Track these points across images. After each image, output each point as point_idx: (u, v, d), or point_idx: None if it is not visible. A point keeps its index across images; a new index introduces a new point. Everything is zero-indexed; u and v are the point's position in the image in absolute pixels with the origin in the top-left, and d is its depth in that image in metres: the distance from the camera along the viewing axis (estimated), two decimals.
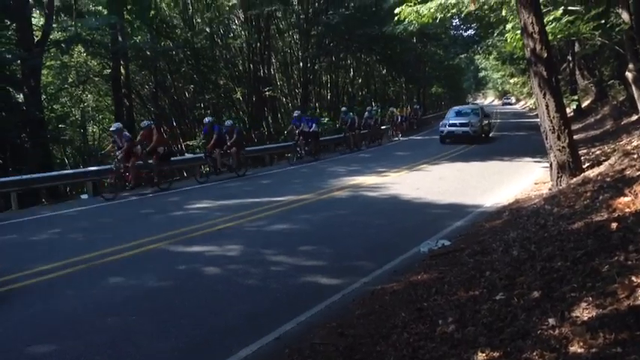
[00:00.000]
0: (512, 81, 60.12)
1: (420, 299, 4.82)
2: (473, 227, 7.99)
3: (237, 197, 11.89)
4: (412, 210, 9.91)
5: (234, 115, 32.75)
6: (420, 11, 14.06)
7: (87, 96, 31.39)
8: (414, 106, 38.25)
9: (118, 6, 22.42)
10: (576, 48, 25.48)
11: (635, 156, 7.52)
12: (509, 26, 14.42)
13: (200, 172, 16.14)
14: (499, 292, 4.17)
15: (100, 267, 6.77)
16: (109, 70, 25.82)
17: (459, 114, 24.47)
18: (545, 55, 8.68)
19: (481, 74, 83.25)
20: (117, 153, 13.15)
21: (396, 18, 15.29)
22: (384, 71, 46.00)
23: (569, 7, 13.10)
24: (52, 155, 23.29)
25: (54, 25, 21.38)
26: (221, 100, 31.70)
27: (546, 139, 9.01)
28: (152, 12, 25.63)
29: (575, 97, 26.71)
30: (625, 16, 11.80)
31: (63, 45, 22.03)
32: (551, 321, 3.23)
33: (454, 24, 37.12)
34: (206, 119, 16.55)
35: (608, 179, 6.89)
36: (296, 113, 20.40)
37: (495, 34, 23.44)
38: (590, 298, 3.35)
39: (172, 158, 16.45)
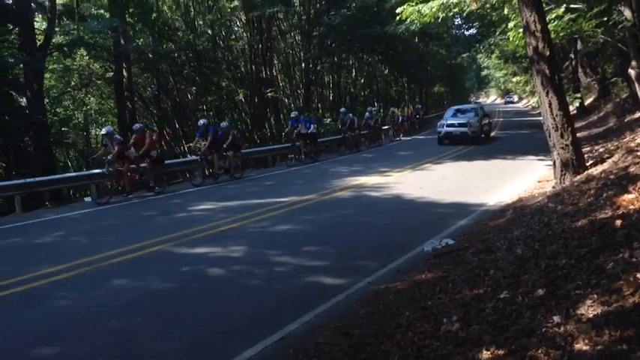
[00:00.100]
0: (514, 79, 60.01)
1: (424, 298, 4.81)
2: (477, 226, 7.97)
3: (241, 198, 11.89)
4: (415, 209, 9.90)
5: (237, 117, 32.83)
6: (422, 11, 14.05)
7: (89, 99, 31.46)
8: (416, 105, 38.17)
9: (119, 9, 22.52)
10: (579, 46, 25.44)
11: (639, 153, 7.49)
12: (511, 24, 14.39)
13: (196, 175, 15.87)
14: (503, 290, 4.16)
15: (103, 269, 6.78)
16: (112, 73, 25.91)
17: (457, 114, 23.80)
18: (548, 53, 8.66)
19: (483, 73, 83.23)
20: (107, 157, 12.90)
21: (397, 18, 15.28)
22: (387, 71, 45.94)
23: (572, 5, 13.06)
24: (56, 158, 23.37)
25: (56, 29, 21.47)
26: (223, 101, 31.73)
27: (549, 137, 8.99)
28: (154, 15, 25.71)
29: (578, 95, 26.62)
30: (627, 13, 11.77)
31: (65, 48, 22.13)
32: (556, 319, 3.22)
33: (456, 23, 37.06)
34: (200, 121, 16.27)
35: (612, 177, 6.86)
36: (293, 114, 20.26)
37: (497, 33, 23.40)
38: (595, 296, 3.34)
39: (174, 160, 16.42)
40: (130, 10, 23.89)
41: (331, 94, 38.10)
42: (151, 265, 6.95)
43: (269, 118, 31.48)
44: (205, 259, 7.05)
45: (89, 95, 30.91)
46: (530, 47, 8.85)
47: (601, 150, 12.00)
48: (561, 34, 13.83)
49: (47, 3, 20.75)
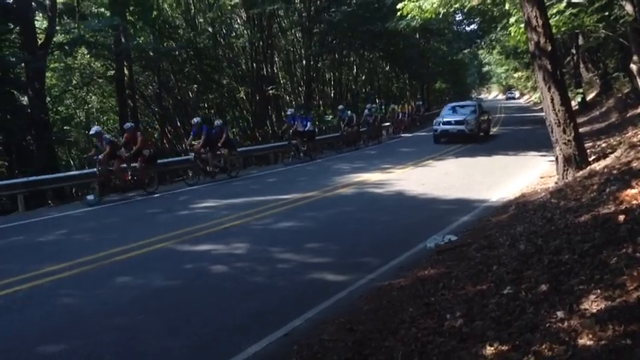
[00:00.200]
0: (516, 75, 60.02)
1: (428, 294, 4.81)
2: (479, 222, 7.97)
3: (243, 196, 11.90)
4: (418, 206, 9.90)
5: (238, 115, 32.83)
6: (423, 6, 14.04)
7: (91, 97, 31.48)
8: (417, 102, 38.05)
9: (120, 7, 22.48)
10: (580, 41, 25.40)
11: None
12: (512, 20, 14.38)
13: (190, 174, 15.44)
14: (507, 286, 4.16)
15: (107, 267, 6.80)
16: (113, 72, 25.89)
17: (454, 111, 22.99)
18: (550, 48, 8.65)
19: (485, 69, 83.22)
20: (98, 157, 12.58)
21: (398, 13, 15.26)
22: (388, 68, 45.88)
23: (573, 0, 13.04)
24: (58, 157, 23.38)
25: (57, 28, 21.48)
26: (225, 99, 31.70)
27: (552, 132, 8.98)
28: (154, 13, 25.66)
29: (580, 90, 26.65)
30: (629, 7, 11.75)
31: (66, 47, 22.14)
32: (560, 314, 3.22)
33: (457, 19, 36.96)
34: (194, 119, 16.01)
35: (615, 172, 6.86)
36: (289, 112, 20.04)
37: (499, 29, 23.33)
38: (599, 291, 3.34)
39: (169, 160, 16.31)
40: (131, 9, 23.84)
41: (332, 91, 38.06)
42: (155, 263, 6.96)
43: (270, 116, 31.46)
44: (208, 257, 7.07)
45: (90, 94, 30.91)
46: (532, 42, 8.84)
47: (603, 145, 11.99)
48: (563, 29, 13.84)
49: (48, 2, 20.74)
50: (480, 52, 47.43)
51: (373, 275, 6.02)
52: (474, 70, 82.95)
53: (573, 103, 18.70)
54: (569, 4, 12.90)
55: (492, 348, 3.15)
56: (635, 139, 9.49)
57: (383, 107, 30.97)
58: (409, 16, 15.31)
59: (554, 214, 6.11)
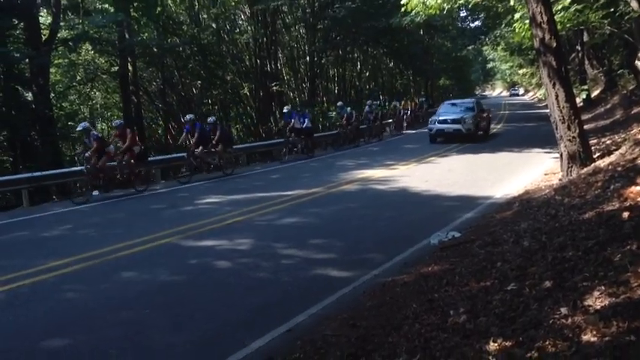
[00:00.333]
0: (520, 72, 59.64)
1: (431, 290, 4.81)
2: (483, 219, 7.97)
3: (247, 192, 11.90)
4: (421, 202, 9.90)
5: (242, 111, 32.83)
6: (427, 2, 14.01)
7: (95, 93, 31.55)
8: (420, 99, 37.81)
9: (124, 3, 22.46)
10: (585, 37, 25.26)
11: None
12: (517, 16, 14.32)
13: (183, 171, 15.19)
14: (511, 282, 4.16)
15: (111, 262, 6.82)
16: (117, 68, 25.91)
17: (450, 109, 21.93)
18: (554, 44, 8.62)
19: (489, 65, 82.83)
20: (85, 154, 12.35)
21: (402, 9, 15.22)
22: (392, 64, 45.82)
23: None
24: (62, 152, 23.42)
25: (61, 24, 21.49)
26: (228, 95, 31.73)
27: (556, 129, 8.96)
28: (158, 9, 25.63)
29: (585, 87, 26.54)
30: (634, 4, 11.69)
31: (70, 43, 22.17)
32: (564, 310, 3.22)
33: (461, 15, 36.89)
34: (187, 116, 15.71)
35: (619, 169, 6.85)
36: (285, 109, 19.71)
37: (503, 25, 23.24)
38: (603, 287, 3.34)
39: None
40: (135, 5, 23.83)
41: (336, 88, 38.03)
42: (159, 258, 6.99)
43: (274, 112, 31.46)
44: (213, 252, 7.09)
45: (95, 90, 30.99)
46: (537, 39, 8.81)
47: (608, 142, 11.96)
48: (568, 26, 13.78)
49: None
50: (485, 48, 47.14)
51: (377, 271, 6.03)
52: (478, 66, 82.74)
53: (578, 99, 18.64)
54: (574, 1, 12.85)
55: (496, 344, 3.15)
56: (639, 136, 9.47)
57: (386, 104, 30.77)
58: (413, 12, 15.27)
59: (559, 211, 6.10)
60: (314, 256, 6.73)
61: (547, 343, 2.90)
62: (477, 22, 37.75)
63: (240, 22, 32.76)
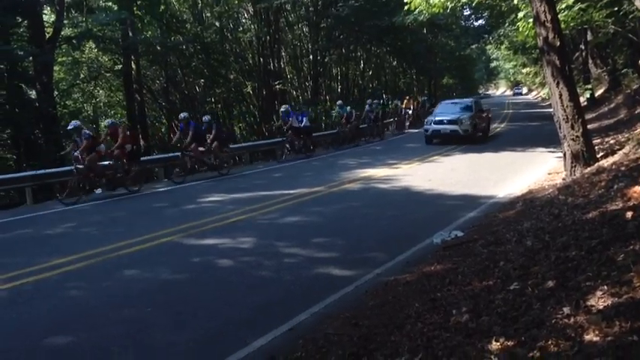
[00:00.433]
0: (524, 71, 59.64)
1: (434, 290, 4.81)
2: (486, 218, 7.96)
3: (249, 190, 11.91)
4: (424, 201, 9.89)
5: (245, 109, 32.85)
6: (431, 1, 14.00)
7: (99, 92, 31.59)
8: (422, 97, 37.65)
9: (127, 1, 22.49)
10: (589, 36, 25.22)
11: None
12: (520, 15, 14.29)
13: (176, 171, 14.54)
14: (513, 281, 4.15)
15: (114, 260, 6.83)
16: (120, 66, 25.98)
17: (447, 109, 21.06)
18: (558, 43, 8.60)
19: (493, 65, 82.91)
20: (74, 153, 11.97)
21: (406, 8, 15.20)
22: (395, 63, 45.77)
23: None
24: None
25: (65, 22, 21.52)
26: (231, 94, 31.74)
27: (560, 128, 8.94)
28: (162, 7, 25.66)
29: (589, 86, 26.49)
30: (638, 3, 11.64)
31: (74, 41, 22.23)
32: (566, 310, 3.21)
33: (465, 14, 36.79)
34: (181, 115, 15.28)
35: (623, 168, 6.84)
36: (283, 108, 19.25)
37: (507, 24, 23.24)
38: (606, 287, 3.33)
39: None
40: (138, 3, 23.87)
41: (339, 87, 38.00)
42: (161, 256, 7.00)
43: (277, 111, 31.42)
44: (215, 251, 7.09)
45: (98, 88, 31.03)
46: (541, 38, 8.79)
47: (612, 142, 11.93)
48: (571, 25, 13.75)
49: None
50: (488, 47, 47.19)
51: (379, 270, 6.02)
52: (481, 65, 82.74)
53: (582, 99, 18.58)
54: None
55: (498, 343, 3.14)
56: None
57: (389, 102, 30.64)
58: (417, 10, 15.27)
59: (562, 211, 6.09)
60: (316, 255, 6.73)
61: (549, 342, 2.90)
62: (480, 21, 37.68)
63: (244, 21, 32.76)
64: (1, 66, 18.58)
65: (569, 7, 12.75)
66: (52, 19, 22.05)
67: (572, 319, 3.08)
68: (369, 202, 10.16)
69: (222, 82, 30.47)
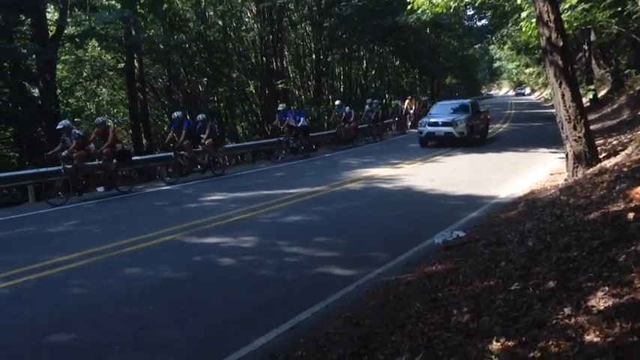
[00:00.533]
0: (527, 71, 59.45)
1: (435, 290, 4.81)
2: (488, 218, 7.95)
3: (251, 189, 11.93)
4: (426, 201, 9.88)
5: (247, 108, 32.86)
6: (434, 0, 13.98)
7: (101, 90, 31.64)
8: (423, 97, 37.45)
9: (130, 0, 22.53)
10: (592, 37, 25.17)
11: None
12: (524, 15, 14.28)
13: (169, 171, 14.53)
14: (514, 282, 4.15)
15: (115, 258, 6.85)
16: (123, 64, 25.98)
17: (443, 110, 20.34)
18: (561, 44, 8.59)
19: (496, 65, 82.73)
20: (62, 153, 11.68)
21: (409, 7, 15.20)
22: (398, 62, 45.75)
23: None
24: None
25: (68, 20, 21.53)
26: (234, 93, 31.75)
27: (562, 129, 8.93)
28: (165, 5, 25.71)
29: (592, 87, 26.42)
30: None
31: (77, 39, 22.23)
32: (567, 310, 3.22)
33: (468, 13, 36.73)
34: (175, 114, 15.04)
35: (625, 169, 6.83)
36: (280, 107, 18.87)
37: (510, 24, 23.17)
38: (607, 288, 3.33)
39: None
40: (141, 1, 23.94)
41: (342, 86, 38.02)
42: (163, 255, 7.01)
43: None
44: (217, 249, 7.10)
45: (101, 86, 31.07)
46: (544, 38, 8.78)
47: (614, 142, 11.91)
48: (575, 25, 13.72)
49: None
50: (491, 47, 47.11)
51: (381, 270, 6.02)
52: (484, 65, 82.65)
53: (584, 99, 18.55)
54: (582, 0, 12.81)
55: (499, 343, 3.14)
56: None
57: (391, 102, 30.53)
58: (420, 10, 15.27)
59: (564, 211, 6.09)
60: (318, 254, 6.74)
61: (550, 343, 2.90)
62: (483, 21, 37.59)
63: (247, 20, 32.78)
64: (5, 64, 18.60)
65: (572, 7, 12.73)
66: (56, 18, 22.04)
67: (573, 320, 3.08)
68: (371, 201, 10.16)
69: (224, 81, 30.50)
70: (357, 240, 7.35)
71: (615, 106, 23.44)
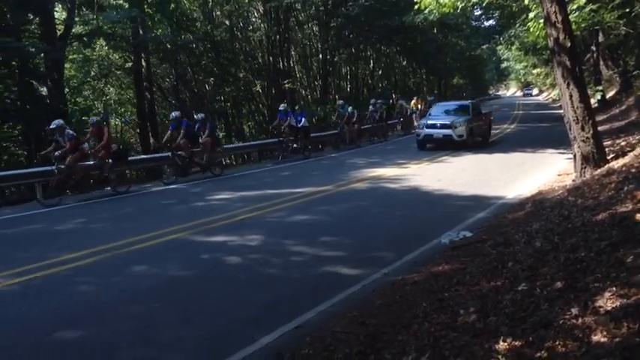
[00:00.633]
0: (535, 72, 59.29)
1: (442, 290, 4.80)
2: (495, 219, 7.93)
3: (257, 189, 11.95)
4: (433, 201, 9.86)
5: (254, 108, 32.92)
6: (441, 0, 13.95)
7: (109, 89, 31.76)
8: (430, 97, 37.28)
9: None
10: (600, 38, 25.04)
11: None
12: (531, 15, 14.21)
13: (167, 172, 14.30)
14: (521, 282, 4.15)
15: (123, 256, 6.87)
16: (131, 64, 26.08)
17: (442, 112, 19.65)
18: (569, 44, 8.56)
19: (503, 65, 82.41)
20: (55, 153, 11.45)
21: (416, 7, 15.17)
22: (405, 62, 45.71)
23: None
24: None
25: (76, 19, 21.63)
26: (241, 92, 31.82)
27: (570, 129, 8.89)
28: (172, 5, 25.80)
29: (600, 88, 26.30)
30: None
31: (85, 38, 22.33)
32: (574, 311, 3.21)
33: (475, 14, 36.61)
34: (173, 114, 14.82)
35: (633, 170, 6.80)
36: (282, 107, 18.62)
37: (517, 24, 23.08)
38: (614, 289, 3.32)
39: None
40: (149, 1, 24.02)
41: (349, 86, 38.00)
42: (170, 253, 7.03)
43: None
44: (223, 248, 7.12)
45: (109, 85, 31.20)
46: (551, 38, 8.75)
47: (622, 143, 11.84)
48: (583, 26, 13.66)
49: None
50: (499, 47, 46.89)
51: (387, 270, 6.01)
52: (492, 66, 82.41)
53: (592, 100, 18.45)
54: (590, 0, 12.74)
55: (505, 343, 3.14)
56: None
57: (396, 102, 30.42)
58: (427, 10, 15.22)
59: (571, 212, 6.07)
60: (324, 254, 6.73)
61: (557, 343, 2.90)
62: (491, 21, 37.49)
63: (254, 20, 32.87)
64: (13, 62, 18.71)
65: (580, 8, 12.67)
66: (64, 17, 22.14)
67: (580, 320, 3.07)
68: (378, 201, 10.15)
69: (231, 80, 30.57)
70: (363, 240, 7.35)
71: (623, 107, 23.33)
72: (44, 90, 20.50)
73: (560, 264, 4.23)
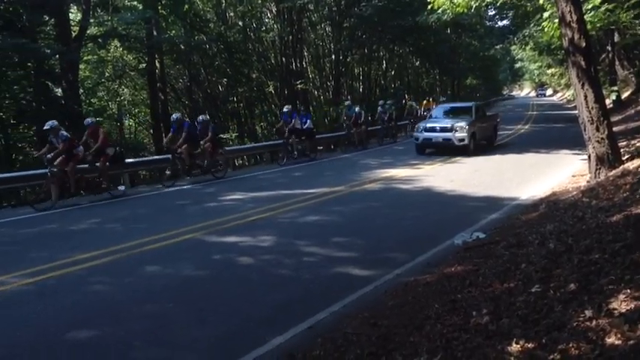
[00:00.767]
0: (549, 72, 58.89)
1: (454, 291, 4.78)
2: (508, 220, 7.89)
3: (270, 189, 11.98)
4: (446, 202, 9.83)
5: (267, 109, 32.99)
6: (455, 0, 13.90)
7: (123, 90, 31.95)
8: (442, 98, 37.10)
9: (152, 1, 22.75)
10: (616, 38, 24.82)
11: None
12: (546, 15, 14.13)
13: (167, 174, 13.95)
14: (535, 284, 4.12)
15: (137, 256, 6.93)
16: (145, 65, 26.26)
17: (443, 114, 18.73)
18: (584, 44, 8.49)
19: (517, 65, 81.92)
20: (48, 156, 11.21)
21: (429, 7, 15.13)
22: (418, 63, 45.55)
23: None
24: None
25: (91, 20, 21.81)
26: (254, 93, 31.90)
27: (584, 130, 8.82)
28: (186, 6, 25.91)
29: (615, 88, 26.07)
30: None
31: (100, 40, 22.51)
32: (588, 313, 3.19)
33: (489, 14, 36.41)
34: (174, 115, 14.49)
35: None
36: (286, 108, 18.24)
37: (532, 24, 22.92)
38: (629, 291, 3.30)
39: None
40: (163, 2, 24.17)
41: (361, 86, 37.95)
42: (184, 253, 7.07)
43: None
44: (236, 248, 7.15)
45: (123, 86, 31.41)
46: (566, 38, 8.68)
47: (638, 144, 11.74)
48: (598, 26, 13.55)
49: None
50: (513, 48, 46.59)
51: (399, 271, 6.01)
52: (506, 66, 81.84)
53: (608, 101, 18.29)
54: (605, 0, 12.63)
55: (518, 346, 3.13)
56: None
57: (406, 103, 30.31)
58: (440, 10, 15.19)
59: (586, 213, 6.02)
60: (336, 255, 6.74)
61: (570, 345, 2.88)
62: (505, 21, 37.31)
63: (267, 20, 32.87)
64: (29, 64, 18.92)
65: (595, 8, 12.58)
66: (79, 18, 22.35)
67: (594, 323, 3.05)
68: (390, 202, 10.14)
69: (244, 81, 30.66)
70: (375, 240, 7.34)
71: (639, 108, 23.08)
72: (59, 91, 20.69)
73: (574, 266, 4.21)
